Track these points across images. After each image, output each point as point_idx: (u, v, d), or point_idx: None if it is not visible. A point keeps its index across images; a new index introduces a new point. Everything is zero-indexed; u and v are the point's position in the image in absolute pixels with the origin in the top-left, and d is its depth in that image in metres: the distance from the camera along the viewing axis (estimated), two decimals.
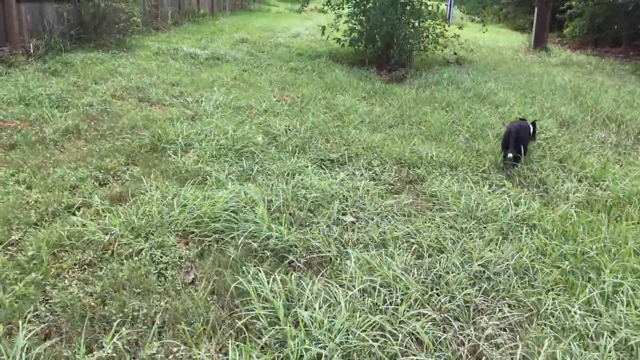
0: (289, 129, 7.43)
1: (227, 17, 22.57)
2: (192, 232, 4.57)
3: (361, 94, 10.13)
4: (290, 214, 5.00)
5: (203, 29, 18.32)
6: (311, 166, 6.23)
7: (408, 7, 12.88)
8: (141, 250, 4.25)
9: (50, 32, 11.50)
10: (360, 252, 4.39)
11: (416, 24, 13.37)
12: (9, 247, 4.23)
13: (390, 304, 3.69)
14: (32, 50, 10.74)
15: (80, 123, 7.09)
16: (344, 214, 5.12)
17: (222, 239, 4.51)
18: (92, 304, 3.59)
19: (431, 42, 13.40)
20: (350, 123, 8.06)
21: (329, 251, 4.38)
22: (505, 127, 7.33)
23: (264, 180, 5.72)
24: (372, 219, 5.06)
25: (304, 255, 4.32)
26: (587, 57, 16.85)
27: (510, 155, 6.41)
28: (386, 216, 5.16)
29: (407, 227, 4.86)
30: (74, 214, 4.76)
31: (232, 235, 4.51)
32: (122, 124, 7.26)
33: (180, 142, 6.58)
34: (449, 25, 13.74)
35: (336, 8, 14.35)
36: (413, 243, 4.60)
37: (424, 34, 13.25)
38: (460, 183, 6.00)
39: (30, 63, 10.31)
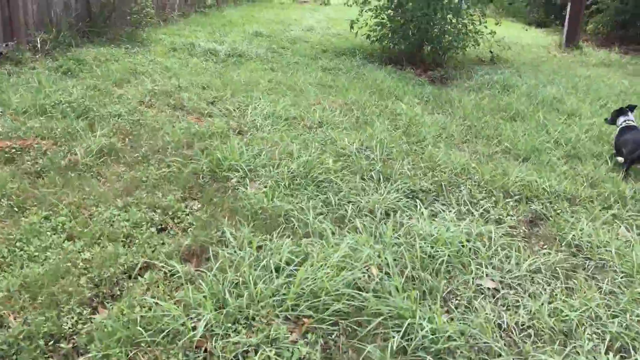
0: (361, 148, 6.17)
1: (233, 8, 21.11)
2: (307, 316, 3.30)
3: (414, 100, 8.86)
4: (419, 280, 3.76)
5: (212, 21, 16.89)
6: (404, 199, 4.99)
7: (445, 1, 11.58)
8: (248, 349, 2.98)
9: (58, 24, 10.06)
10: (539, 346, 3.16)
11: (454, 20, 12.10)
12: (61, 346, 2.95)
13: None
14: (39, 46, 9.32)
15: (115, 140, 5.76)
16: (480, 278, 3.89)
17: (351, 328, 3.25)
18: None
19: (470, 40, 12.14)
20: (423, 138, 6.82)
21: (499, 348, 3.14)
22: (629, 136, 6.19)
23: (363, 224, 4.46)
24: (520, 285, 3.84)
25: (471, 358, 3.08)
26: (620, 55, 15.74)
27: None
28: (534, 279, 3.94)
29: (573, 301, 3.64)
30: (139, 281, 3.48)
31: (363, 320, 3.26)
32: (163, 142, 5.96)
33: (242, 168, 5.29)
34: (486, 21, 12.49)
35: (361, 1, 13.04)
36: (604, 332, 3.37)
37: (463, 31, 11.97)
38: (594, 224, 4.79)
39: (39, 60, 8.90)
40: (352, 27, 12.85)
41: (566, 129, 7.63)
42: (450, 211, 4.86)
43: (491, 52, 13.14)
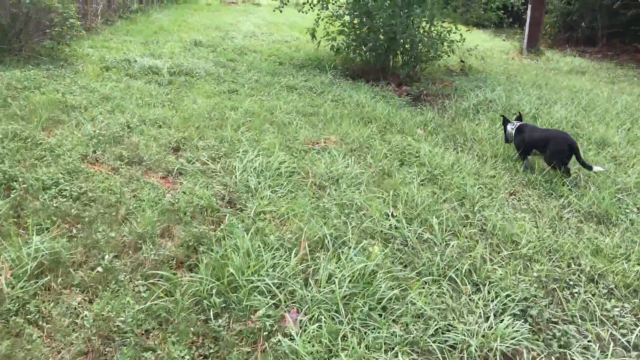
0: (397, 223, 4.37)
1: (159, 12, 18.71)
2: None
3: (415, 130, 7.14)
4: None
5: (141, 28, 14.55)
6: (517, 325, 3.26)
7: (417, 8, 9.86)
8: None
9: None
10: None
11: (427, 28, 10.45)
12: None
13: None
14: None
15: (57, 245, 3.69)
16: None
17: None
18: None
19: (445, 49, 10.52)
20: (464, 193, 5.09)
21: None
22: (549, 138, 5.83)
23: None
24: None
25: None
26: (578, 59, 14.66)
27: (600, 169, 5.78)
28: None
29: None
30: None
31: None
32: (130, 231, 3.94)
33: (268, 286, 3.37)
34: (458, 28, 10.91)
35: (320, 7, 11.17)
36: None
37: (437, 40, 10.32)
38: None
39: None
40: (313, 37, 10.98)
41: (617, 169, 6.11)
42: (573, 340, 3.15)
43: (462, 62, 11.62)
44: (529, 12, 14.43)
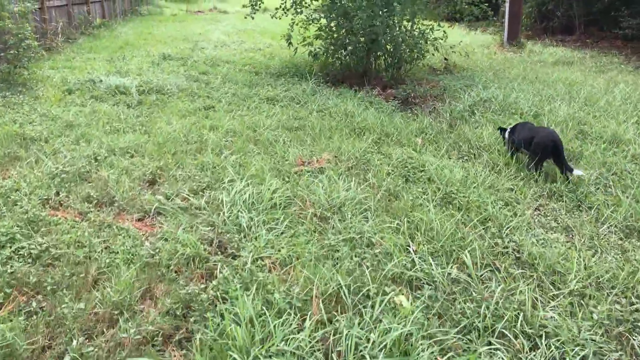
0: (420, 261, 3.68)
1: (124, 26, 17.80)
2: None
3: (414, 140, 6.47)
4: None
5: (106, 44, 13.69)
6: None
7: (397, 5, 9.17)
8: None
9: None
10: None
11: (408, 26, 9.80)
12: None
13: None
14: None
15: (6, 327, 2.94)
16: None
17: None
18: None
19: (428, 48, 9.86)
20: (486, 214, 4.42)
21: None
22: (535, 135, 5.49)
23: None
24: None
25: None
26: (562, 49, 14.16)
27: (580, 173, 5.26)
28: None
29: None
30: None
31: None
32: (100, 304, 3.19)
33: None
34: (440, 25, 10.27)
35: (294, 12, 10.44)
36: None
37: (421, 39, 9.65)
38: None
39: None
40: (289, 43, 10.25)
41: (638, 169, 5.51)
42: None
43: (446, 59, 11.00)
44: (507, 4, 13.89)
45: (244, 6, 10.58)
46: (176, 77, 9.92)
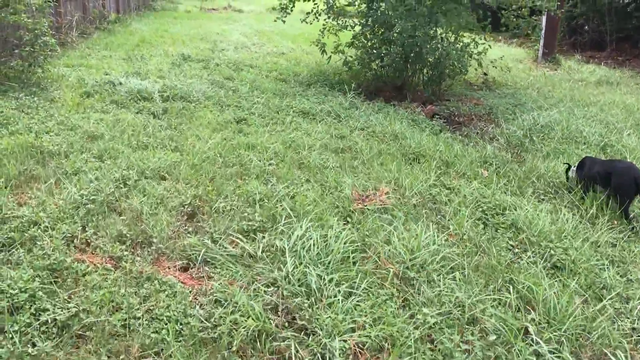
0: (545, 352, 2.90)
1: (138, 22, 16.96)
2: None
3: (479, 170, 5.69)
4: None
5: (121, 41, 12.85)
6: None
7: (441, 17, 8.38)
8: None
9: None
10: None
11: (451, 38, 9.01)
12: None
13: None
14: None
15: None
16: None
17: None
18: None
19: (471, 62, 9.08)
20: (604, 285, 3.64)
21: None
22: (612, 170, 4.82)
23: None
24: None
25: None
26: (603, 69, 13.40)
27: None
28: None
29: None
30: None
31: None
32: None
33: None
34: (485, 38, 9.49)
35: (326, 17, 9.65)
36: None
37: (465, 52, 8.87)
38: None
39: None
40: (323, 51, 9.45)
41: None
42: None
43: (485, 74, 10.22)
44: (544, 18, 13.09)
45: (273, 8, 9.67)
46: (200, 81, 9.12)
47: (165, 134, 6.14)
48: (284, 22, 9.90)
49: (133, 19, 17.21)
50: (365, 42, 9.27)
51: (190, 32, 15.28)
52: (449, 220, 4.41)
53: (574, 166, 5.37)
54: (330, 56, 9.50)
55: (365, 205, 4.58)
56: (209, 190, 4.65)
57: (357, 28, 9.60)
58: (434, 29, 8.59)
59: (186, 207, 4.36)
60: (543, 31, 13.09)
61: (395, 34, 8.52)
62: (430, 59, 8.74)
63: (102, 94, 7.71)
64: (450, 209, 4.61)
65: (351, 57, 9.57)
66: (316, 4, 9.76)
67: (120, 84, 8.37)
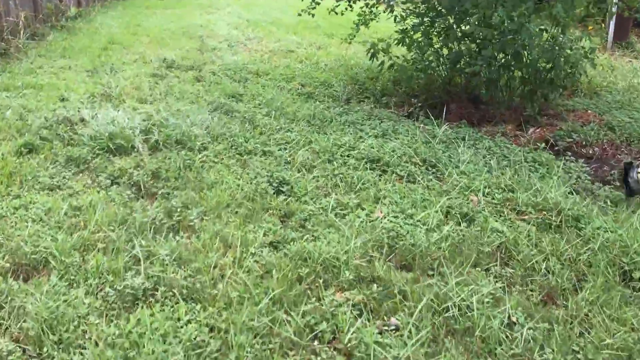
0: None
1: (105, 14, 13.56)
2: None
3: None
4: None
5: (84, 42, 9.60)
6: None
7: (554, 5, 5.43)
8: None
9: None
10: None
11: (558, 34, 5.99)
12: None
13: None
14: None
15: None
16: None
17: None
18: None
19: (586, 65, 6.10)
20: None
21: None
22: None
23: None
24: None
25: None
26: None
27: None
28: None
29: None
30: None
31: None
32: None
33: None
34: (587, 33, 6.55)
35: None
36: None
37: (580, 54, 5.90)
38: None
39: None
40: (373, 56, 6.40)
41: None
42: None
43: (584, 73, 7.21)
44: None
45: None
46: (197, 107, 6.05)
47: (169, 256, 3.09)
48: (312, 16, 6.82)
49: (98, 12, 13.76)
50: (428, 37, 6.26)
51: (169, 26, 12.00)
52: None
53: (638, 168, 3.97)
54: (383, 62, 6.43)
55: None
56: None
57: (410, 21, 6.58)
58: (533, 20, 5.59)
59: None
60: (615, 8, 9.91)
61: (481, 28, 5.51)
62: (545, 63, 5.74)
63: (52, 145, 4.62)
64: None
65: (397, 57, 6.58)
66: None
67: (82, 120, 5.31)
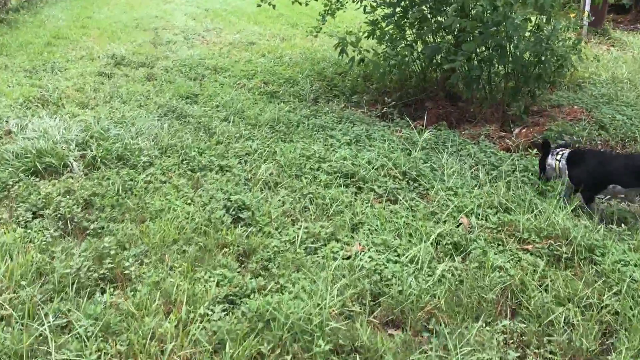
0: None
1: (52, 5, 12.47)
2: None
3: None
4: None
5: (26, 37, 8.66)
6: None
7: None
8: None
9: None
10: None
11: (543, 24, 5.38)
12: None
13: None
14: None
15: None
16: None
17: None
18: None
19: (573, 57, 5.51)
20: None
21: None
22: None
23: None
24: None
25: None
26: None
27: None
28: None
29: None
30: None
31: None
32: None
33: None
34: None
35: None
36: None
37: (568, 47, 5.31)
38: None
39: None
40: (342, 51, 5.69)
41: None
42: None
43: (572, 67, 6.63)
44: None
45: None
46: (146, 111, 5.28)
47: (89, 325, 2.37)
48: (274, 6, 6.08)
49: (46, 3, 12.71)
50: (401, 29, 5.60)
51: (122, 18, 11.06)
52: None
53: (557, 155, 3.79)
54: (353, 58, 5.73)
55: None
56: None
57: (380, 11, 5.90)
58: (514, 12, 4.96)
59: None
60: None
61: (460, 19, 4.87)
62: (530, 57, 5.11)
63: None
64: None
65: (367, 51, 5.89)
66: None
67: (9, 133, 4.52)
